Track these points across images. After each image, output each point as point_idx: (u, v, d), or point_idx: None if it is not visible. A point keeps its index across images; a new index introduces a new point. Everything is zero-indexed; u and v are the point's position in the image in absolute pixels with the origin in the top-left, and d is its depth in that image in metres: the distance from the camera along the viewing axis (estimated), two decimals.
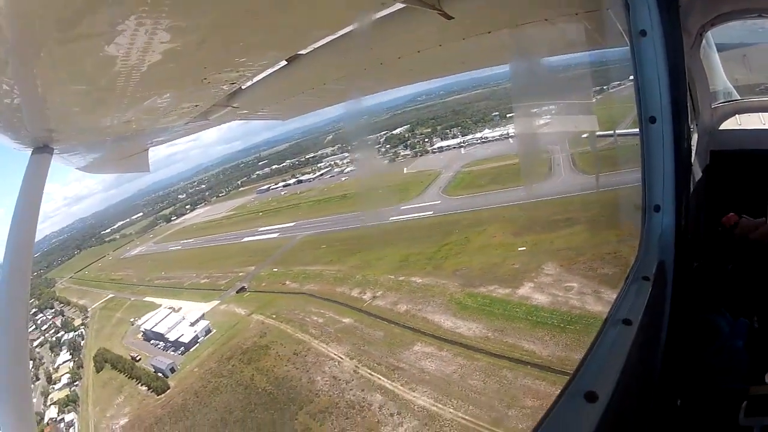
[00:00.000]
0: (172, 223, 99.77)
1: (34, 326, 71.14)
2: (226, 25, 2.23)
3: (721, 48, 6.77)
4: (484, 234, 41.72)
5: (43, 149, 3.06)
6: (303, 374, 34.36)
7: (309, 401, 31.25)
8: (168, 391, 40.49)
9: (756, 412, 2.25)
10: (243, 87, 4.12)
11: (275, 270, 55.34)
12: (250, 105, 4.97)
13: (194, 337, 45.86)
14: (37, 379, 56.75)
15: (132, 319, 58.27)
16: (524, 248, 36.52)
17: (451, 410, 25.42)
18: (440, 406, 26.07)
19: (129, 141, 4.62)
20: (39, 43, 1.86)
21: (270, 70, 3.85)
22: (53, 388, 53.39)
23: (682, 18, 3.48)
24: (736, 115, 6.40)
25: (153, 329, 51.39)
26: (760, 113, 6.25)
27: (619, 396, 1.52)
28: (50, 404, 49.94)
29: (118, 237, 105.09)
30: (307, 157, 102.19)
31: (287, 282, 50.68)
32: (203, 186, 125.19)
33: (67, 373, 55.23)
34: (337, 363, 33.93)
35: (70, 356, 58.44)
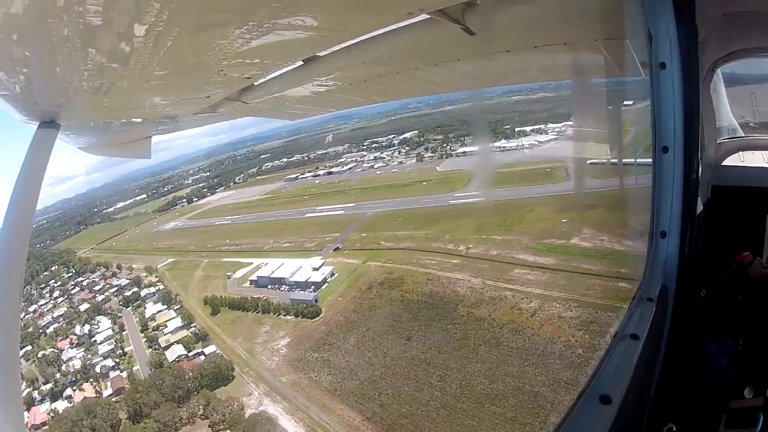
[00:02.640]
0: (195, 203, 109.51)
1: (78, 288, 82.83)
2: (250, 18, 2.16)
3: (729, 83, 7.06)
4: (533, 212, 56.35)
5: (50, 124, 3.07)
6: (444, 289, 49.48)
7: (459, 301, 46.65)
8: (320, 315, 53.10)
9: (735, 425, 2.47)
10: (255, 83, 4.09)
11: (363, 235, 67.79)
12: (261, 102, 4.94)
13: (324, 278, 58.35)
14: (120, 330, 66.42)
15: (228, 274, 69.18)
16: (566, 220, 51.64)
17: (554, 293, 43.24)
18: (548, 292, 43.66)
19: (134, 126, 4.71)
20: (59, 16, 1.81)
21: (285, 69, 3.86)
22: (162, 332, 62.27)
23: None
24: (740, 152, 6.74)
25: (270, 276, 63.01)
26: (763, 151, 6.59)
27: (631, 400, 1.73)
28: (168, 345, 58.82)
29: (131, 214, 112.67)
30: (318, 153, 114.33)
31: (381, 242, 63.50)
32: (209, 173, 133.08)
33: (170, 319, 64.38)
34: (467, 281, 49.23)
35: (165, 306, 67.84)
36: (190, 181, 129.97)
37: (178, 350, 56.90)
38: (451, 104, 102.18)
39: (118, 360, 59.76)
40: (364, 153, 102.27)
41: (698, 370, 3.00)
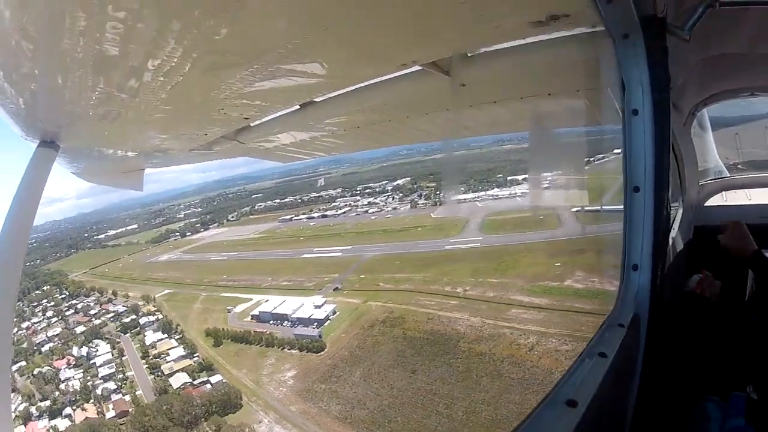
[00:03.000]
0: (188, 238, 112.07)
1: (72, 310, 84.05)
2: (255, 61, 2.32)
3: (716, 125, 7.31)
4: (528, 256, 60.53)
5: (49, 144, 3.10)
6: (445, 327, 52.12)
7: (460, 338, 49.80)
8: (325, 350, 55.78)
9: None
10: (252, 124, 4.21)
11: (362, 276, 70.80)
12: (256, 143, 5.07)
13: (326, 316, 61.26)
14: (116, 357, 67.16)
15: (229, 308, 71.52)
16: (559, 264, 55.80)
17: (550, 329, 47.35)
18: (544, 329, 47.48)
19: (130, 157, 4.72)
20: (74, 38, 1.86)
21: (282, 112, 3.99)
22: (164, 360, 63.88)
23: (675, 97, 4.40)
24: (723, 192, 7.02)
25: (272, 312, 65.75)
26: (746, 189, 6.84)
27: (596, 405, 1.77)
28: (172, 373, 60.57)
29: (123, 243, 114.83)
30: (311, 195, 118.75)
31: (380, 284, 66.40)
32: (201, 209, 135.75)
33: (172, 348, 66.10)
34: (466, 320, 52.03)
35: (166, 335, 69.26)
36: (182, 216, 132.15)
37: (183, 378, 58.82)
38: (441, 153, 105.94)
39: (119, 384, 61.30)
40: (358, 198, 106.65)
41: None
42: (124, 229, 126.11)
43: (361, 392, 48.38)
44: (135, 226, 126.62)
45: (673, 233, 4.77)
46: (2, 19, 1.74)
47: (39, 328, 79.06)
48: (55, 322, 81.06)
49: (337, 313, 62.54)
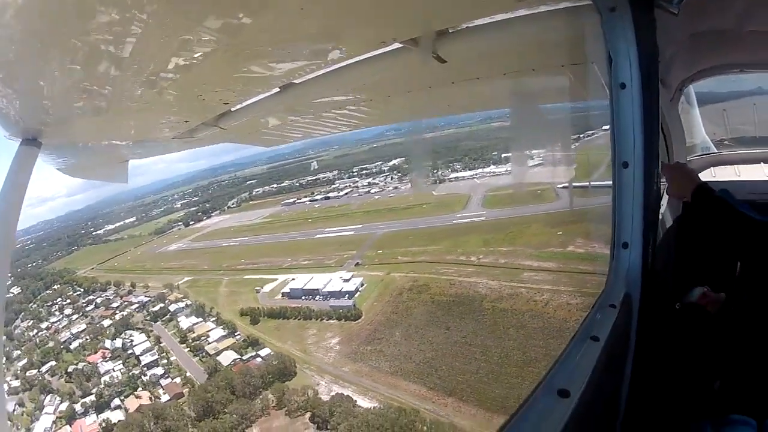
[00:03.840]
0: (192, 227, 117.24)
1: (92, 305, 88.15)
2: (230, 44, 2.30)
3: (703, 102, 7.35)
4: (531, 227, 67.57)
5: (32, 142, 3.18)
6: (467, 290, 60.67)
7: (483, 298, 57.58)
8: (362, 317, 62.80)
9: None
10: (232, 109, 4.25)
11: (379, 251, 77.75)
12: (238, 128, 5.06)
13: (356, 288, 68.29)
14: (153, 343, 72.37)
15: (257, 288, 77.56)
16: (561, 232, 62.47)
17: (561, 287, 55.50)
18: (556, 288, 55.65)
19: (113, 149, 4.86)
20: (42, 35, 1.91)
21: (262, 96, 4.01)
22: (206, 341, 68.40)
23: (663, 72, 4.35)
24: (711, 168, 6.99)
25: (303, 288, 71.66)
26: (735, 165, 6.83)
27: (589, 394, 1.75)
28: (218, 352, 65.10)
29: (125, 237, 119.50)
30: (308, 179, 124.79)
31: (398, 257, 73.81)
32: (197, 198, 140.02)
33: (211, 330, 70.69)
34: (485, 283, 60.33)
35: (201, 319, 73.96)
36: (179, 206, 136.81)
37: (230, 355, 63.81)
38: (431, 132, 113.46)
39: (166, 369, 65.73)
40: (356, 179, 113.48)
41: None
42: (122, 222, 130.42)
43: (404, 349, 56.37)
44: (133, 219, 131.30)
45: (662, 209, 4.67)
46: None
47: (60, 326, 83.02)
48: (77, 318, 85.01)
49: (365, 285, 70.03)
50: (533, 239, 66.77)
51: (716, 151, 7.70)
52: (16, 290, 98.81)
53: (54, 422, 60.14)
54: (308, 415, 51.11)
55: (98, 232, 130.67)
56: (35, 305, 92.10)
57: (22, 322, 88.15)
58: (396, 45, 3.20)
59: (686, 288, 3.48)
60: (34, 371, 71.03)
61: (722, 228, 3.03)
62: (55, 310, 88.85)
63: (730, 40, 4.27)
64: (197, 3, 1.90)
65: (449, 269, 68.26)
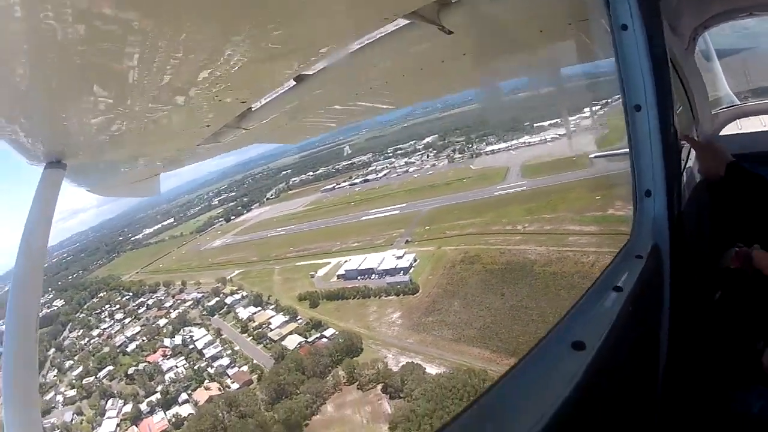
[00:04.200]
0: (233, 221, 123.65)
1: (144, 307, 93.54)
2: (237, 41, 2.37)
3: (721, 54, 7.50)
4: (571, 193, 69.53)
5: (56, 164, 3.29)
6: (517, 257, 64.17)
7: (533, 263, 61.84)
8: (420, 291, 66.05)
9: None
10: (253, 108, 4.46)
11: (427, 228, 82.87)
12: (261, 127, 5.27)
13: (410, 264, 72.91)
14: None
15: (311, 273, 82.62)
16: (599, 197, 67.64)
17: (604, 249, 62.35)
18: (599, 249, 57.99)
19: (141, 165, 5.05)
20: (56, 56, 1.97)
21: (279, 91, 4.26)
22: (268, 329, 71.80)
23: (673, 20, 4.36)
24: (737, 120, 7.19)
25: (357, 269, 76.76)
26: (760, 116, 6.98)
27: (610, 348, 1.67)
28: (283, 337, 68.33)
29: (166, 238, 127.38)
30: (343, 164, 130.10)
31: (446, 232, 78.08)
32: (234, 193, 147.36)
33: (271, 317, 73.21)
34: (533, 250, 64.48)
35: (259, 308, 79.09)
36: (216, 202, 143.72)
37: (295, 339, 67.01)
38: (458, 107, 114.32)
39: (232, 359, 69.63)
40: (392, 159, 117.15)
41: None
42: (160, 225, 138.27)
43: (464, 317, 61.39)
44: (171, 220, 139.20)
45: (690, 163, 4.60)
46: None
47: (113, 331, 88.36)
48: (129, 322, 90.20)
49: (418, 260, 74.53)
50: (574, 204, 70.07)
51: (739, 103, 7.73)
52: (59, 303, 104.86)
53: (118, 425, 64.15)
54: (380, 386, 54.79)
55: (137, 237, 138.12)
56: (83, 314, 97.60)
57: (71, 332, 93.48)
58: (402, 22, 3.29)
59: (722, 247, 3.31)
60: (91, 378, 75.98)
61: (761, 203, 3.03)
62: (105, 317, 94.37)
63: None
64: (202, 4, 1.96)
65: (497, 239, 72.78)
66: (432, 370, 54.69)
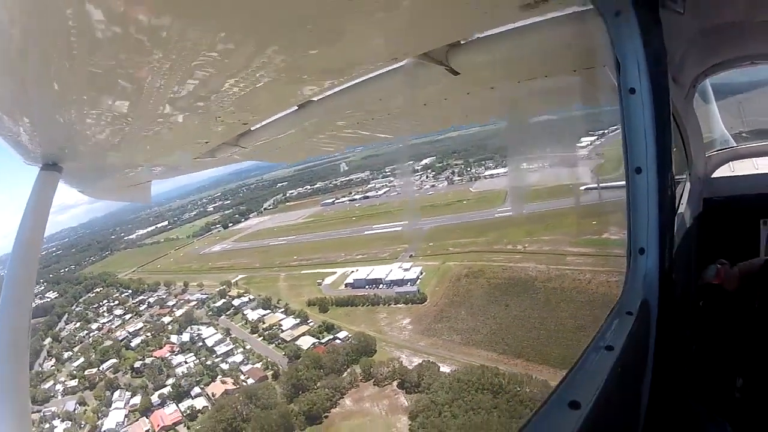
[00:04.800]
0: (231, 228, 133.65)
1: (145, 305, 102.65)
2: (247, 66, 2.50)
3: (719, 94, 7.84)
4: (568, 217, 72.80)
5: (52, 167, 3.48)
6: (519, 273, 74.98)
7: (534, 279, 72.84)
8: (427, 300, 77.45)
9: None
10: (252, 128, 4.62)
11: (431, 244, 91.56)
12: (259, 147, 5.50)
13: (417, 276, 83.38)
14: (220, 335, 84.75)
15: (318, 281, 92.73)
16: (595, 222, 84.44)
17: (600, 268, 68.08)
18: (596, 269, 68.30)
19: (135, 171, 5.31)
20: (60, 62, 2.07)
21: (281, 114, 4.43)
22: (280, 330, 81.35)
23: (675, 71, 4.59)
24: (730, 162, 7.53)
25: (366, 278, 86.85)
26: (753, 158, 7.31)
27: (601, 406, 1.89)
28: (296, 338, 77.46)
29: (162, 240, 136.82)
30: (341, 179, 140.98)
31: (449, 248, 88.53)
32: (229, 201, 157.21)
33: (282, 319, 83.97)
34: (534, 267, 74.97)
35: (269, 311, 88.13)
36: (212, 209, 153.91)
37: (309, 340, 76.32)
38: (456, 131, 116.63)
39: (245, 356, 77.70)
40: (391, 179, 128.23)
41: None
42: (154, 227, 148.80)
43: (471, 324, 70.94)
44: (165, 223, 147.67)
45: (682, 207, 4.84)
46: None
47: (113, 326, 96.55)
48: (130, 318, 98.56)
49: (424, 273, 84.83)
50: (571, 228, 77.85)
51: (735, 144, 8.12)
52: (52, 294, 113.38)
53: (126, 416, 70.82)
54: (395, 382, 63.56)
55: (131, 236, 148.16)
56: (79, 308, 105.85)
57: (67, 324, 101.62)
58: (409, 59, 3.53)
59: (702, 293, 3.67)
60: (94, 370, 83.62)
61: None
62: (104, 311, 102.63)
63: (740, 33, 4.59)
64: (212, 27, 2.05)
65: (499, 257, 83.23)
66: (445, 368, 63.88)
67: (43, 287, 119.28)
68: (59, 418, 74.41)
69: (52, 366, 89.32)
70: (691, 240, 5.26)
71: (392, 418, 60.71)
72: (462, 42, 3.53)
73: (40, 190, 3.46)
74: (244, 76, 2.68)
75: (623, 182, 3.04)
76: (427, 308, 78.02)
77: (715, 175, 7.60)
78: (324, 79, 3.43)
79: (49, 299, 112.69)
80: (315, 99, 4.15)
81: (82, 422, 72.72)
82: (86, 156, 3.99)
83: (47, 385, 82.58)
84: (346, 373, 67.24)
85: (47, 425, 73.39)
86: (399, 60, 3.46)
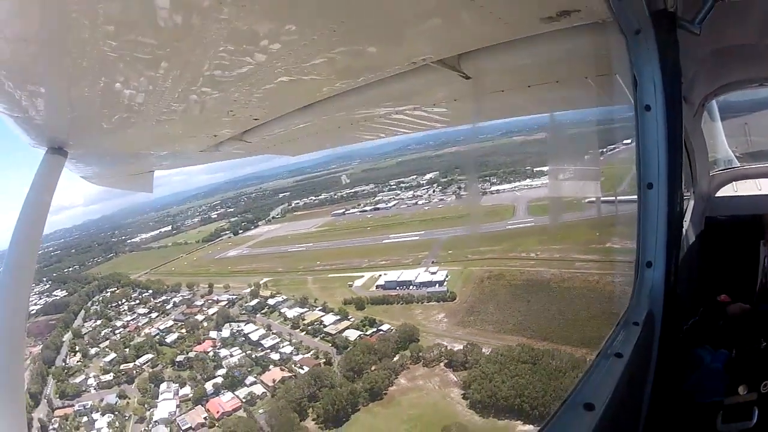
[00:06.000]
0: (241, 235, 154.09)
1: (171, 305, 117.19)
2: (262, 63, 2.84)
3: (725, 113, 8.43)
4: (578, 228, 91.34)
5: (58, 151, 3.85)
6: (536, 276, 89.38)
7: (550, 281, 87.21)
8: (457, 299, 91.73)
9: (731, 419, 3.29)
10: (258, 123, 5.09)
11: (450, 252, 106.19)
12: (263, 140, 6.14)
13: (444, 278, 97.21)
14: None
15: (349, 283, 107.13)
16: (599, 234, 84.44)
17: (607, 271, 77.35)
18: (603, 272, 77.58)
19: (140, 159, 5.93)
20: (72, 45, 2.31)
21: (290, 109, 4.86)
22: (322, 326, 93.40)
23: (686, 89, 5.13)
24: (733, 182, 8.36)
25: (397, 280, 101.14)
26: (756, 179, 8.08)
27: (613, 408, 2.27)
28: (342, 330, 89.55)
29: (169, 244, 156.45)
30: (347, 192, 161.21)
31: (468, 256, 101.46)
32: (231, 209, 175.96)
33: (322, 316, 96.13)
34: (548, 271, 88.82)
35: (307, 309, 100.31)
36: (215, 216, 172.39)
37: (354, 333, 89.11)
38: (453, 145, 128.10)
39: (295, 347, 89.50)
40: (398, 192, 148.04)
41: (694, 375, 4.00)
42: (158, 231, 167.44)
43: (500, 316, 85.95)
44: (169, 227, 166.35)
45: (685, 225, 5.48)
46: (7, 28, 2.16)
47: (140, 324, 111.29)
48: (157, 316, 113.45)
49: (449, 276, 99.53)
50: (579, 238, 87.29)
51: (738, 165, 9.07)
52: (61, 293, 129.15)
53: (178, 406, 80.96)
54: (443, 362, 76.97)
55: (134, 240, 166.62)
56: (97, 306, 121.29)
57: (85, 321, 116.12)
58: (421, 63, 3.84)
59: (707, 303, 4.42)
60: (130, 365, 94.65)
61: None
62: (124, 310, 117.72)
63: (750, 55, 5.15)
64: (229, 23, 2.28)
65: (516, 263, 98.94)
66: (485, 350, 77.57)
67: (48, 285, 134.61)
68: (98, 411, 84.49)
69: (78, 362, 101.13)
70: (693, 257, 6.46)
71: (445, 390, 74.40)
72: (474, 48, 4.00)
73: (45, 173, 3.93)
74: (262, 72, 3.16)
75: (633, 196, 3.62)
76: (458, 305, 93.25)
77: (719, 194, 8.74)
78: (341, 79, 3.97)
79: (57, 297, 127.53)
80: (325, 97, 4.62)
81: (127, 414, 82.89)
82: (93, 141, 4.58)
83: (77, 380, 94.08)
84: (396, 357, 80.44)
85: (85, 419, 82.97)
86: (415, 65, 3.90)
